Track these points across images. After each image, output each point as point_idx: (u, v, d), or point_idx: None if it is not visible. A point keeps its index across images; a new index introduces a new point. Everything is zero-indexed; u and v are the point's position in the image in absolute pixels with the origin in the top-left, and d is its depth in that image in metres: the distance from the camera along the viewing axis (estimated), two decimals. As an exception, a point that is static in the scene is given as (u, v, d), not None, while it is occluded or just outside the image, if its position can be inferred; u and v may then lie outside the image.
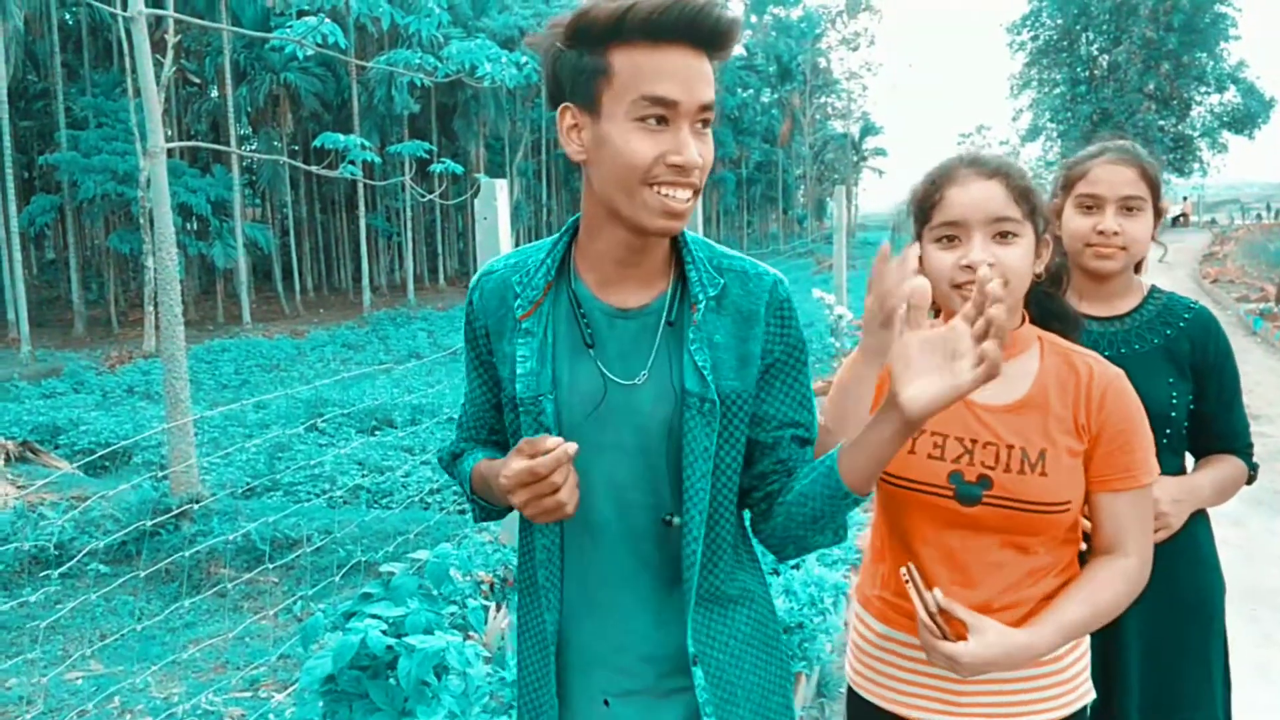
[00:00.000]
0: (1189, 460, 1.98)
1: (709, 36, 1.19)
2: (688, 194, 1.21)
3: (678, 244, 1.33)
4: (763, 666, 1.39)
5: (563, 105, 1.24)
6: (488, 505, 1.43)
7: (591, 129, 1.22)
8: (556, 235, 1.36)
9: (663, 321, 1.30)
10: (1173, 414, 1.88)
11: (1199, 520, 1.93)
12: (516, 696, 1.45)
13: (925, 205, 1.52)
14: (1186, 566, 1.91)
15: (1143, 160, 1.91)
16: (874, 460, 1.20)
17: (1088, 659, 1.62)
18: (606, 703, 1.36)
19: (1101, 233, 1.88)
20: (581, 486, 1.22)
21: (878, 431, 1.18)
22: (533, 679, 1.40)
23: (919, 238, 1.55)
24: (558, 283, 1.33)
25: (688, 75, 1.18)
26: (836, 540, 1.32)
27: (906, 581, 1.42)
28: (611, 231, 1.27)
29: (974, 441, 1.50)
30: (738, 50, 1.36)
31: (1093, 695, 1.61)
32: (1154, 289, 2.00)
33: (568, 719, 1.38)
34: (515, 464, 1.16)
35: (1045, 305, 1.63)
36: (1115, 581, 1.49)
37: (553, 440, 1.15)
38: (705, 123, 1.22)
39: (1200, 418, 1.93)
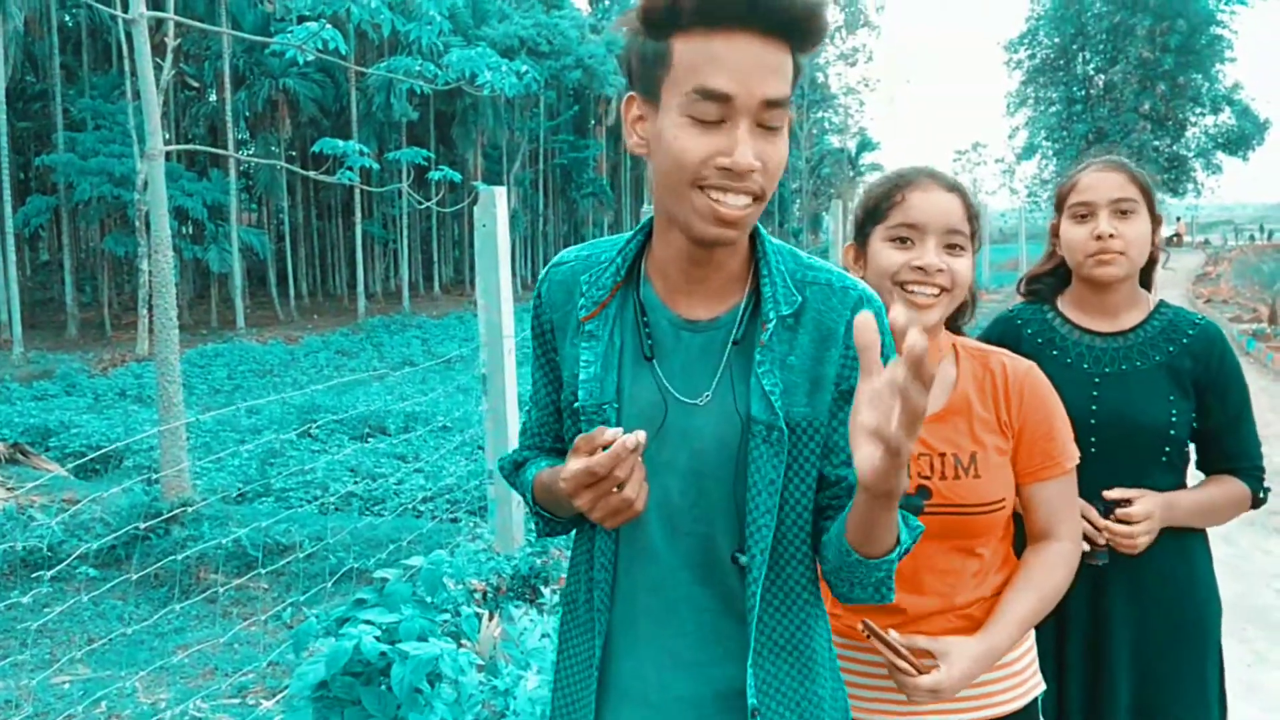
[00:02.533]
0: (1195, 479, 1.93)
1: (781, 22, 1.05)
2: (744, 200, 1.08)
3: (757, 253, 1.20)
4: None
5: (629, 94, 1.15)
6: (553, 517, 1.29)
7: (652, 121, 1.12)
8: (631, 233, 1.25)
9: (730, 339, 1.18)
10: (1172, 432, 1.85)
11: (1197, 542, 1.90)
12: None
13: (884, 205, 1.57)
14: (1184, 588, 1.88)
15: (1130, 167, 1.90)
16: (860, 522, 1.08)
17: (1034, 652, 1.65)
18: None
19: (1099, 238, 1.85)
20: None
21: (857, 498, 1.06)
22: (567, 706, 1.30)
23: (866, 235, 1.60)
24: (626, 285, 1.22)
25: (748, 66, 1.04)
26: (878, 598, 1.16)
27: (868, 637, 1.41)
28: (674, 235, 1.16)
29: None
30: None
31: (1043, 687, 1.64)
32: (1161, 304, 1.95)
33: None
34: (573, 464, 1.06)
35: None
36: (1056, 567, 1.56)
37: (611, 432, 1.04)
38: (771, 121, 1.08)
39: (1206, 435, 1.90)
